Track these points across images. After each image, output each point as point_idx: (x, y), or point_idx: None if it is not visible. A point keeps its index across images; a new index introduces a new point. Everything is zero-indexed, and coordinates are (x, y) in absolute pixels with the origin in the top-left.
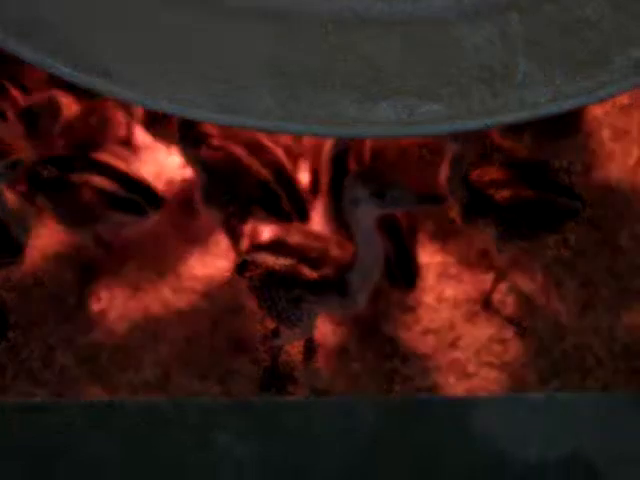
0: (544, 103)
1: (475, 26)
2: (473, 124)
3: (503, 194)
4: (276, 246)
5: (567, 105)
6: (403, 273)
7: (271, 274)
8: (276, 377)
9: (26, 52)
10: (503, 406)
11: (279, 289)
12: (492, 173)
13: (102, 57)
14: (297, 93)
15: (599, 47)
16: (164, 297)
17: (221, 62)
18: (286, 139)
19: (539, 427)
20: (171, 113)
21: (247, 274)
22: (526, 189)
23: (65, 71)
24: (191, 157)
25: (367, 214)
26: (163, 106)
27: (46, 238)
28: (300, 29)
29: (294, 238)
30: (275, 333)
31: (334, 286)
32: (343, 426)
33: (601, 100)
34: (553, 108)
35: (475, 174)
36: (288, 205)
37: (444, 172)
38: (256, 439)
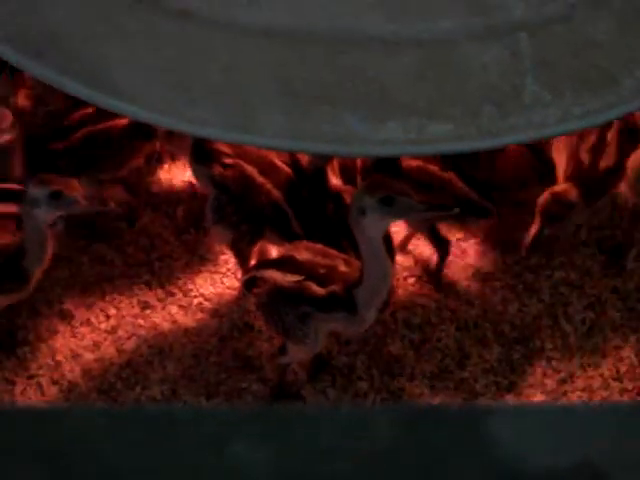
0: (552, 124)
1: (484, 47)
2: (482, 144)
3: (411, 163)
4: (284, 263)
5: (575, 126)
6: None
7: (279, 290)
8: (283, 396)
9: (36, 69)
10: (513, 415)
11: (287, 305)
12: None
13: (112, 75)
14: (306, 112)
15: (607, 68)
16: (172, 314)
17: (231, 81)
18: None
19: (548, 436)
20: (181, 131)
21: (255, 290)
22: (436, 166)
23: (75, 88)
24: (203, 174)
25: (374, 225)
26: (173, 124)
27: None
28: (309, 49)
29: (302, 255)
30: (282, 350)
31: (342, 302)
32: (354, 434)
33: (609, 121)
34: (561, 129)
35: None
36: (298, 226)
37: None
38: (268, 448)
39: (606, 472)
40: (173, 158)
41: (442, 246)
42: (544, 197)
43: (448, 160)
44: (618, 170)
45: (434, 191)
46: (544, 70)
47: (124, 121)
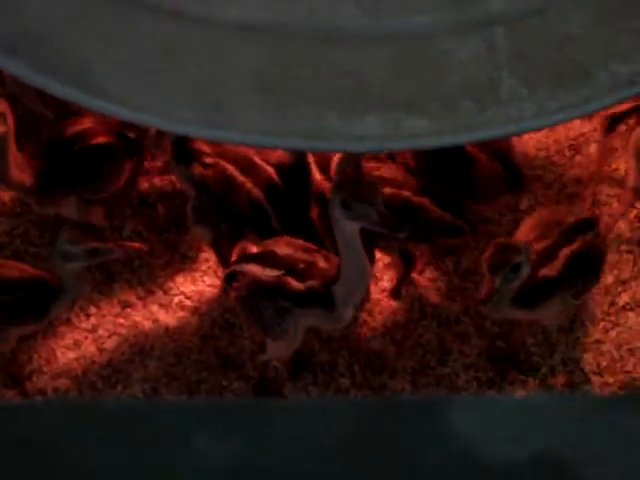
0: (529, 118)
1: (461, 41)
2: (459, 138)
3: (385, 191)
4: (264, 257)
5: (551, 120)
6: None
7: (258, 285)
8: (264, 393)
9: (12, 67)
10: (477, 407)
11: (265, 300)
12: (386, 170)
13: (88, 71)
14: (282, 108)
15: (583, 62)
16: (153, 313)
17: (207, 77)
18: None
19: (512, 427)
20: (156, 127)
21: (235, 284)
22: (412, 193)
23: (51, 85)
24: (183, 174)
25: (344, 222)
26: (149, 120)
27: None
28: (286, 44)
29: (282, 250)
30: (262, 347)
31: (319, 298)
32: (318, 426)
33: (585, 115)
34: (538, 123)
35: (369, 166)
36: (278, 225)
37: (338, 155)
38: (231, 441)
39: (567, 462)
40: (153, 157)
41: (408, 261)
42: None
43: (422, 184)
44: None
45: (409, 217)
46: (520, 64)
47: (105, 139)
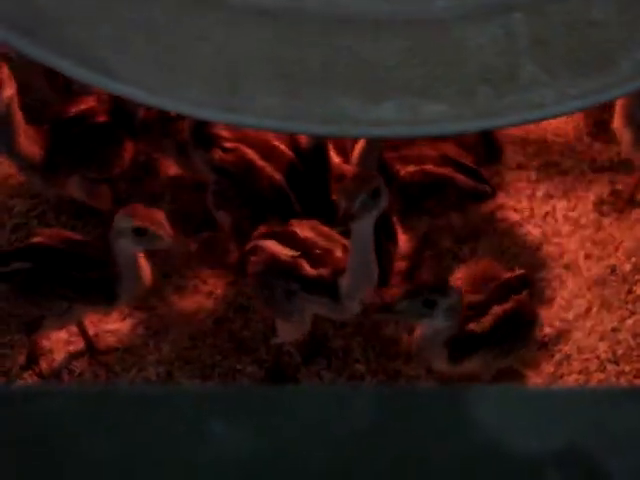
0: (549, 105)
1: (479, 26)
2: (477, 125)
3: (408, 169)
4: (285, 236)
5: (572, 107)
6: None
7: (274, 262)
8: (278, 378)
9: (27, 47)
10: (500, 396)
11: (278, 278)
12: (403, 150)
13: (104, 53)
14: (299, 93)
15: (604, 49)
16: (167, 296)
17: (224, 61)
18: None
19: (531, 417)
20: (172, 111)
21: (253, 258)
22: (431, 166)
23: (67, 67)
24: (203, 159)
25: (368, 217)
26: (165, 104)
27: None
28: (303, 29)
29: (304, 232)
30: (275, 331)
31: (327, 287)
32: (336, 413)
33: (606, 102)
34: (558, 110)
35: (389, 152)
36: (299, 209)
37: (359, 146)
38: (246, 428)
39: (591, 455)
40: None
41: (426, 242)
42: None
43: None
44: None
45: (437, 189)
46: (540, 50)
47: (105, 118)
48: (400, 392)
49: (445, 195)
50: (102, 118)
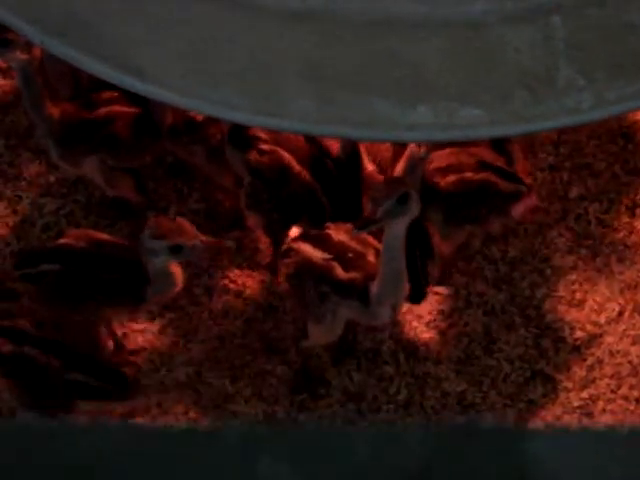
0: (587, 109)
1: (517, 30)
2: (514, 129)
3: (448, 179)
4: (319, 239)
5: (609, 111)
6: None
7: (307, 264)
8: (307, 380)
9: (60, 49)
10: (555, 437)
11: (311, 280)
12: (437, 160)
13: (137, 56)
14: (334, 96)
15: None
16: (197, 296)
17: (258, 64)
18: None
19: (591, 460)
20: (206, 114)
21: (286, 260)
22: (470, 174)
23: (100, 69)
24: (238, 159)
25: (398, 222)
26: (198, 106)
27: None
28: (338, 32)
29: (339, 236)
30: (305, 333)
31: (358, 292)
32: (390, 453)
33: None
34: (596, 114)
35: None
36: (332, 215)
37: (401, 165)
38: (299, 464)
39: None
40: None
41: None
42: None
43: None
44: None
45: (481, 196)
46: (578, 54)
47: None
48: (464, 432)
49: (489, 201)
50: (130, 109)
